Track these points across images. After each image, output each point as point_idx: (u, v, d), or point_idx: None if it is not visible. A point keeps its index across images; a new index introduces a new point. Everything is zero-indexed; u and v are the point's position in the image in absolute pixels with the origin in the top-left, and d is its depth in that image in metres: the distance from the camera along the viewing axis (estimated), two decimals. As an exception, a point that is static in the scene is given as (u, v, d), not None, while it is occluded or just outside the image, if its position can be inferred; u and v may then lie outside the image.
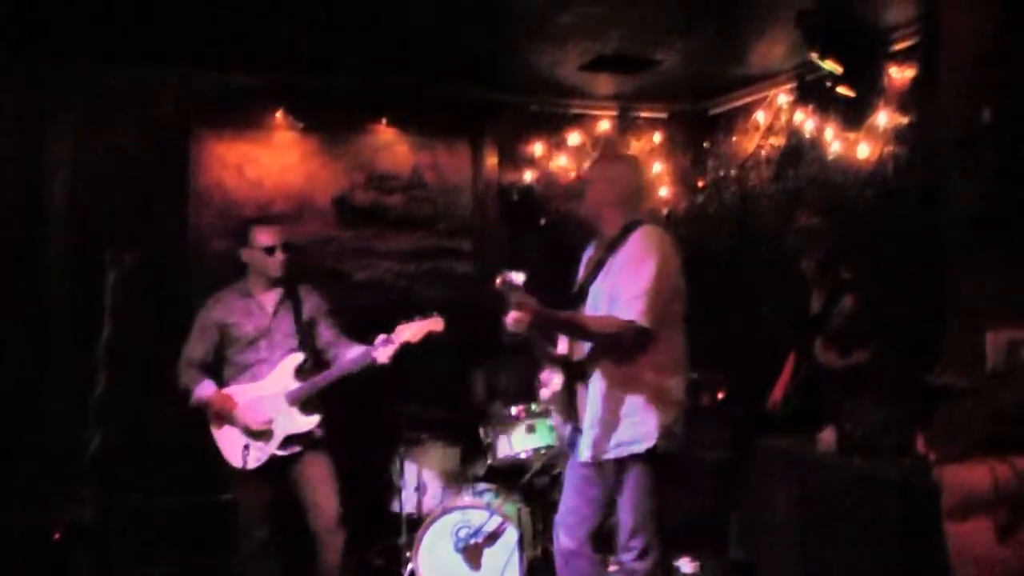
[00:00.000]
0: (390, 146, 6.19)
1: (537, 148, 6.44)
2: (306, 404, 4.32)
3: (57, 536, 4.52)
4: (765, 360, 5.18)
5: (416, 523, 4.88)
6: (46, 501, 4.75)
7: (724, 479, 5.22)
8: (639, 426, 3.54)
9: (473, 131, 6.39)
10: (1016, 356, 3.90)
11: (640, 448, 3.53)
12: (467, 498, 4.83)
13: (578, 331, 3.67)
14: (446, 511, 4.75)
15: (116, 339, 3.63)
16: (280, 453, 4.28)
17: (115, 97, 5.46)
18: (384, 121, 6.14)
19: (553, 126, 6.49)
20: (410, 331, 4.32)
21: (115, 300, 3.69)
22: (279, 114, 5.87)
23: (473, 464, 5.27)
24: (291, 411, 4.29)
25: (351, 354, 4.39)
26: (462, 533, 4.71)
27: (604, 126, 6.58)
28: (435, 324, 4.36)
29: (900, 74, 4.93)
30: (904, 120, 4.93)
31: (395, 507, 5.03)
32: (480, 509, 4.71)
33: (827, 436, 4.12)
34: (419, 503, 5.07)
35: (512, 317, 3.40)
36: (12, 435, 4.99)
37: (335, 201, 6.05)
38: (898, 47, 4.96)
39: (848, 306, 4.71)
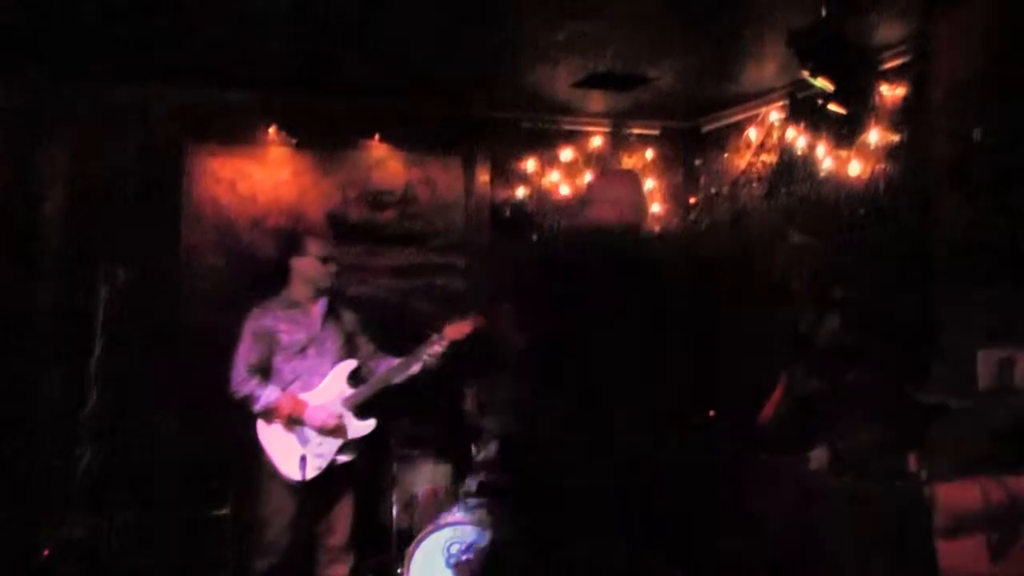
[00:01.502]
0: (383, 162, 6.18)
1: (530, 164, 6.44)
2: (360, 409, 4.44)
3: (47, 552, 4.51)
4: (756, 378, 5.17)
5: (407, 539, 4.86)
6: (37, 517, 4.73)
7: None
8: None
9: (466, 147, 6.38)
10: (1007, 374, 3.91)
11: None
12: (459, 514, 4.81)
13: None
14: (438, 527, 4.72)
15: (108, 354, 3.63)
16: (341, 458, 4.39)
17: (110, 112, 5.47)
18: (377, 137, 6.13)
19: (546, 142, 6.48)
20: (456, 330, 4.56)
21: (107, 315, 3.70)
22: (272, 130, 5.87)
23: (464, 480, 5.25)
24: (349, 416, 4.39)
25: (397, 360, 4.57)
26: (453, 549, 4.68)
27: (596, 142, 6.59)
28: (477, 322, 4.63)
29: (891, 92, 4.95)
30: (895, 138, 4.94)
31: (386, 523, 5.02)
32: (472, 525, 4.70)
33: (819, 455, 4.12)
34: (410, 519, 5.05)
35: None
36: (3, 450, 4.96)
37: (328, 217, 6.04)
38: (889, 65, 4.98)
39: (837, 324, 4.72)
